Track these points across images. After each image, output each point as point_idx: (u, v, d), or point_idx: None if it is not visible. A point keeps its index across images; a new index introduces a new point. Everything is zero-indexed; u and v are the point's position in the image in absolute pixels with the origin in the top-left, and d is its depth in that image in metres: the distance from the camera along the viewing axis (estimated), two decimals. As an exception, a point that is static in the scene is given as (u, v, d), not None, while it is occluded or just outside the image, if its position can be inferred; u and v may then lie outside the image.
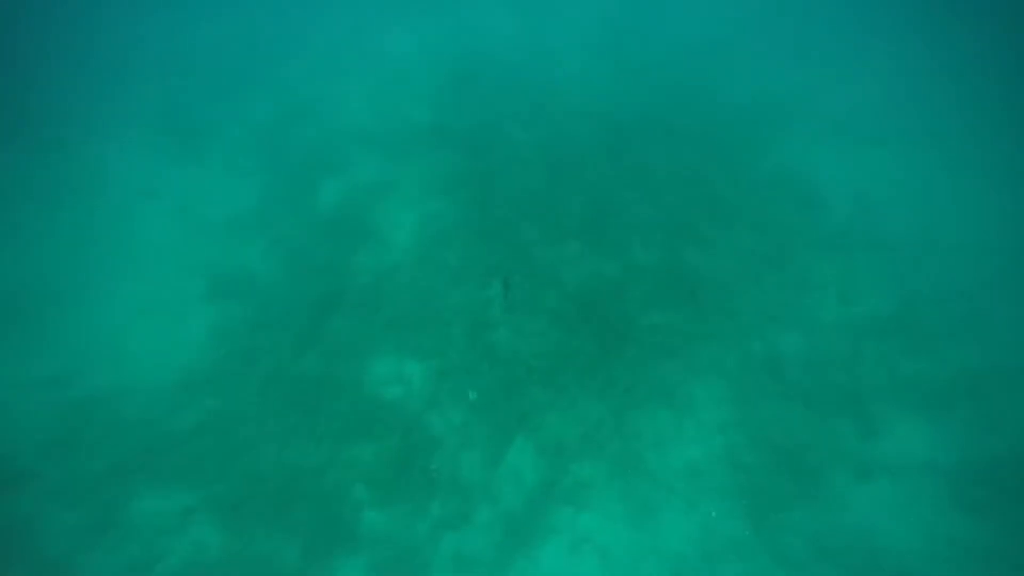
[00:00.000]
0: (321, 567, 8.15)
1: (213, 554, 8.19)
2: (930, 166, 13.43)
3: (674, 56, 16.07)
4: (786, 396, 9.69)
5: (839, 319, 10.51)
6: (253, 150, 14.10)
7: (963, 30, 15.92)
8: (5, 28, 16.77)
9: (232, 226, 12.37)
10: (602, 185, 12.58)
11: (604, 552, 8.55)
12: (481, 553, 8.61)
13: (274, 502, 8.64)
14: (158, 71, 15.98)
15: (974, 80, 14.78)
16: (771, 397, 9.77)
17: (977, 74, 14.92)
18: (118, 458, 8.99)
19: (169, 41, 17.27)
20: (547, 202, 12.41)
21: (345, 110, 15.14)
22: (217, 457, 9.07)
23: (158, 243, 11.95)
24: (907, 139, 14.01)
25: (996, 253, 11.62)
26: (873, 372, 10.04)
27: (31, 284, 11.00)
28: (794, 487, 8.89)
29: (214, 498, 8.69)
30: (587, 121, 14.24)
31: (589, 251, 11.42)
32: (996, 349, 10.25)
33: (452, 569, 8.43)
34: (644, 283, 10.98)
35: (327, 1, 19.24)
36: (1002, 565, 8.11)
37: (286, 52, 16.92)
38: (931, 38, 15.95)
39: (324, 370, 10.15)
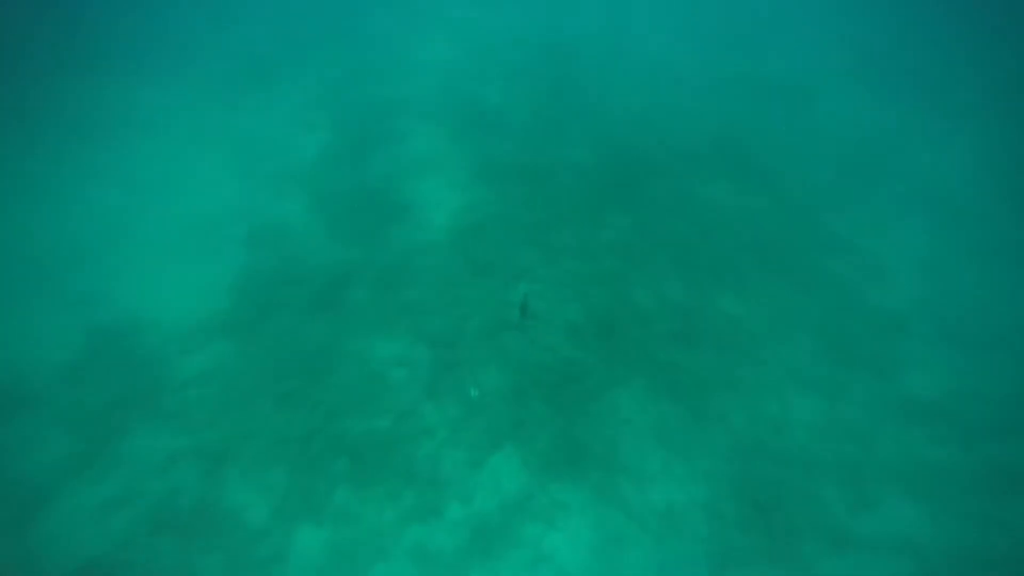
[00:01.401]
0: (284, 532, 8.39)
1: (186, 502, 8.58)
2: (1015, 257, 12.12)
3: (758, 89, 15.07)
4: (786, 459, 9.12)
5: (872, 396, 9.75)
6: (316, 105, 14.34)
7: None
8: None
9: (281, 178, 12.68)
10: (654, 208, 12.10)
11: (561, 574, 8.41)
12: (442, 551, 8.61)
13: (257, 460, 8.92)
14: (228, 15, 16.39)
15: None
16: (770, 457, 9.22)
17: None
18: (122, 392, 9.51)
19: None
20: (593, 214, 12.04)
21: (415, 78, 15.15)
22: (213, 406, 9.43)
23: (207, 186, 12.43)
24: (990, 221, 12.66)
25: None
26: (888, 452, 9.26)
27: (82, 214, 11.67)
28: (764, 546, 8.44)
29: (201, 446, 9.07)
30: (656, 139, 13.64)
31: (624, 273, 11.02)
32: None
33: (410, 561, 8.50)
34: (673, 319, 10.52)
35: (420, -36, 19.10)
36: None
37: (367, 8, 17.01)
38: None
39: (333, 338, 10.32)
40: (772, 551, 8.36)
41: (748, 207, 11.47)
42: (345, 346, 10.25)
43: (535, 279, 11.04)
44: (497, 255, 11.51)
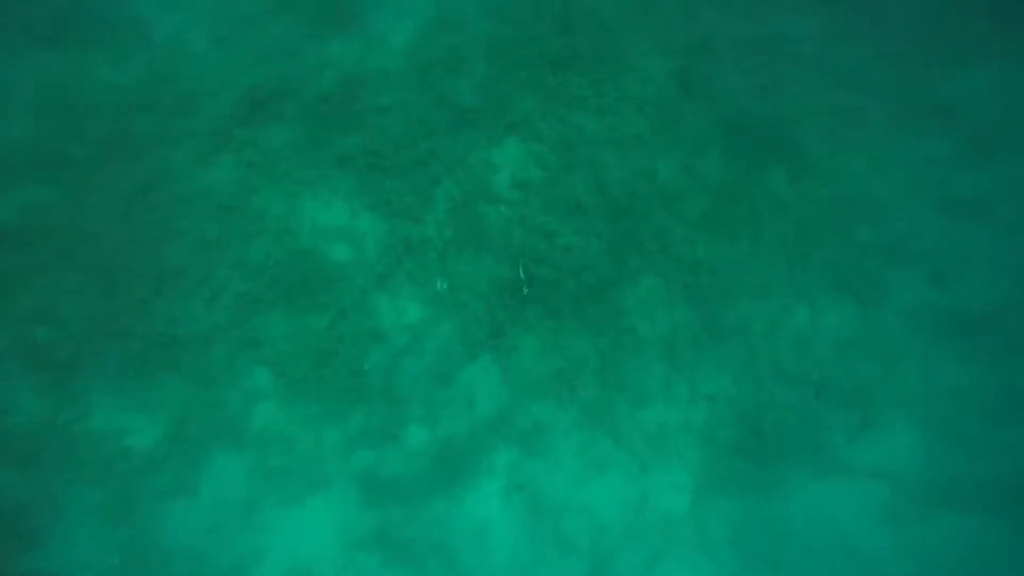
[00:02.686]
0: (188, 458, 6.22)
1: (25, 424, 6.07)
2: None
3: None
4: (800, 380, 7.54)
5: (916, 302, 7.90)
6: None
7: None
8: None
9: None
10: (705, 50, 8.75)
11: (534, 504, 7.07)
12: (397, 480, 6.88)
13: (128, 368, 6.35)
14: None
15: None
16: (785, 378, 7.63)
17: None
18: None
19: None
20: (618, 52, 8.68)
21: None
22: (54, 289, 6.49)
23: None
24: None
25: None
26: (909, 371, 7.75)
27: None
28: (751, 473, 7.25)
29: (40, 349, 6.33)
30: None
31: (649, 137, 8.14)
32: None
33: (356, 490, 6.70)
34: (703, 202, 7.93)
35: None
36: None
37: None
38: None
39: (241, 190, 7.25)
40: (758, 478, 7.15)
41: (831, 56, 8.46)
42: (259, 205, 7.27)
43: (532, 135, 8.03)
44: (481, 96, 8.27)
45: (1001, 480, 7.39)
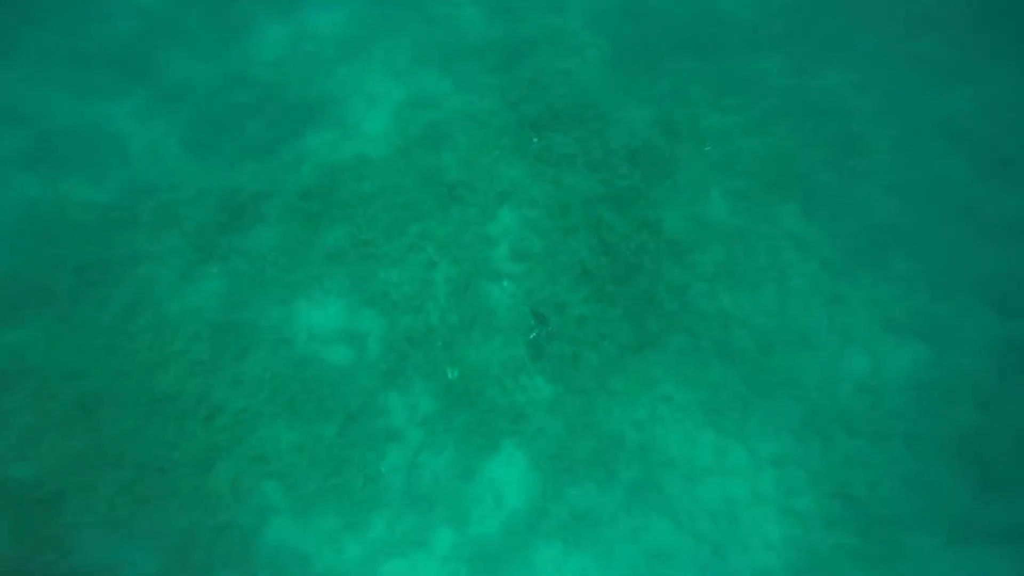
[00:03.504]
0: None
1: None
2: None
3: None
4: (881, 433, 6.85)
5: (994, 338, 7.05)
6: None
7: None
8: None
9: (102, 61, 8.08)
10: (684, 96, 8.63)
11: None
12: None
13: (123, 497, 5.78)
14: None
15: None
16: (860, 429, 6.83)
17: None
18: None
19: None
20: (598, 108, 8.56)
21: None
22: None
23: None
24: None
25: None
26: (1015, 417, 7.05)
27: None
28: (862, 548, 6.44)
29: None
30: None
31: (646, 189, 7.87)
32: None
33: None
34: (716, 250, 7.54)
35: None
36: None
37: None
38: None
39: (230, 304, 6.83)
40: (871, 554, 6.37)
41: (815, 87, 8.38)
42: (250, 317, 6.84)
43: (526, 201, 7.73)
44: (466, 169, 8.02)
45: None
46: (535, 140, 7.32)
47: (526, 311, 7.20)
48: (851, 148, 7.86)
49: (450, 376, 6.98)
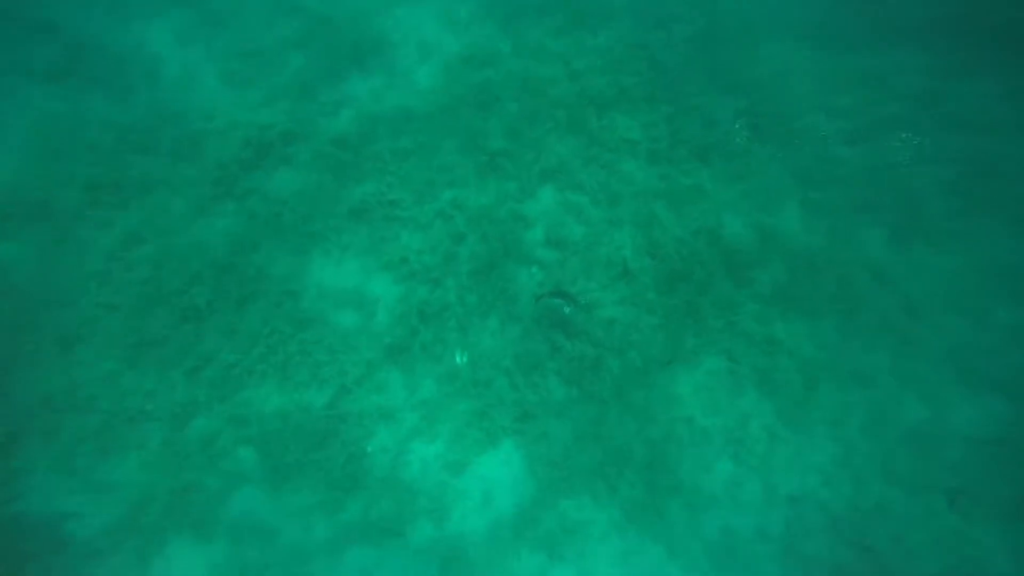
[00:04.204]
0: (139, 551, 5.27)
1: None
2: None
3: None
4: (924, 485, 5.81)
5: None
6: None
7: None
8: None
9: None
10: (777, 85, 7.52)
11: None
12: None
13: (87, 444, 5.48)
14: None
15: None
16: (897, 482, 5.87)
17: None
18: None
19: None
20: (672, 89, 7.59)
21: None
22: None
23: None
24: None
25: None
26: None
27: None
28: None
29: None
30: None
31: (713, 190, 6.91)
32: None
33: None
34: (780, 268, 6.56)
35: None
36: None
37: None
38: None
39: (240, 246, 6.40)
40: None
41: (953, 94, 6.98)
42: (258, 263, 6.40)
43: (572, 185, 6.95)
44: (512, 139, 7.29)
45: None
46: (460, 359, 6.39)
47: (555, 304, 6.49)
48: (979, 170, 6.62)
49: (458, 361, 6.41)
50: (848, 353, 6.08)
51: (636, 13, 8.20)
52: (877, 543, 5.68)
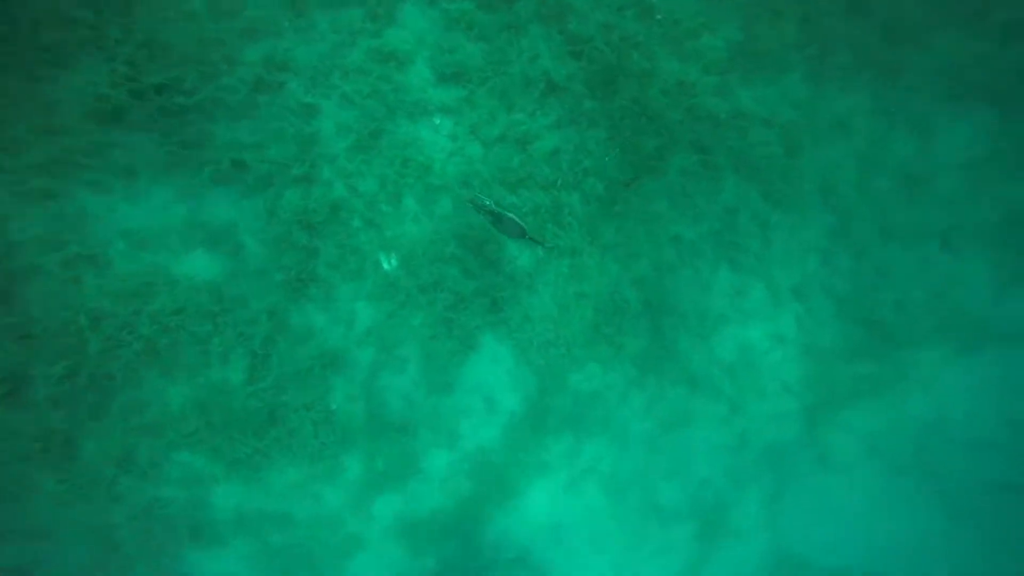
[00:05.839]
0: None
1: None
2: None
3: None
4: (921, 233, 5.69)
5: None
6: None
7: None
8: None
9: None
10: None
11: (613, 488, 5.53)
12: (438, 514, 5.02)
13: None
14: None
15: None
16: (899, 238, 5.72)
17: None
18: None
19: None
20: None
21: None
22: None
23: None
24: None
25: None
26: None
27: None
28: (878, 373, 5.93)
29: None
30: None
31: None
32: None
33: (398, 543, 4.85)
34: (728, 26, 5.31)
35: None
36: None
37: None
38: None
39: None
40: (885, 378, 5.70)
41: None
42: None
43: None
44: None
45: None
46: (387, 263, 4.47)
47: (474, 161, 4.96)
48: None
49: (386, 266, 4.90)
50: (824, 104, 5.33)
51: None
52: (883, 314, 5.66)
